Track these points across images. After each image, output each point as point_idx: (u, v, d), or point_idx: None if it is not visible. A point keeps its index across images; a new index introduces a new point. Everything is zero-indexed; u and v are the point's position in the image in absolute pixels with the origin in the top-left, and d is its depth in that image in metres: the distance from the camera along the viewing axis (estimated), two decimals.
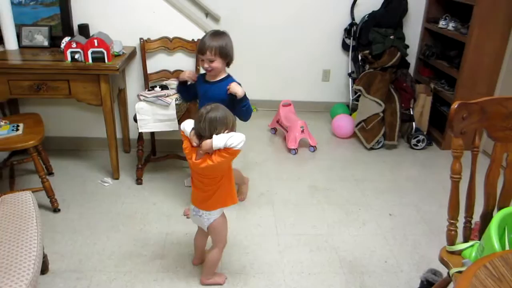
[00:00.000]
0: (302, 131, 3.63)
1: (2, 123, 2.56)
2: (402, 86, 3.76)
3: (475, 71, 3.50)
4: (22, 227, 1.78)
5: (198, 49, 2.28)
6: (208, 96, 2.31)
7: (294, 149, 3.60)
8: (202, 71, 2.42)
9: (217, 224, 2.03)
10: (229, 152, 1.81)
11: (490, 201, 1.67)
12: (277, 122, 3.90)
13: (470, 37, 3.43)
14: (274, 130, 4.03)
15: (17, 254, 1.62)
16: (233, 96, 2.28)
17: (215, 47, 2.22)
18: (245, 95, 2.30)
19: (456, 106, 1.51)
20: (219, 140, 1.80)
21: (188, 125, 1.92)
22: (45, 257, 2.15)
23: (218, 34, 2.27)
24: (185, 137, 1.94)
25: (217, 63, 2.27)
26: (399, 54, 3.75)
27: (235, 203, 2.04)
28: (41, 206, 2.67)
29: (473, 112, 1.55)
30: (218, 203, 1.99)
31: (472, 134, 1.63)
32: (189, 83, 2.47)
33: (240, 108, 2.31)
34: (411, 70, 4.23)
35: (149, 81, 3.18)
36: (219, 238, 2.08)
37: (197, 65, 3.19)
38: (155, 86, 2.94)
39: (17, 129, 2.53)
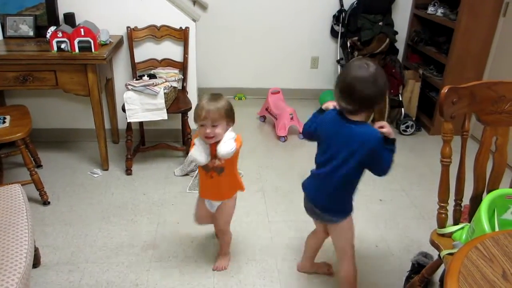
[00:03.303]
0: (292, 119, 3.63)
1: None
2: (391, 72, 3.77)
3: (464, 57, 3.52)
4: (12, 221, 1.76)
5: None
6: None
7: (283, 136, 3.60)
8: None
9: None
10: None
11: (480, 184, 1.70)
12: (266, 109, 3.89)
13: (458, 23, 3.44)
14: (263, 118, 4.02)
15: (8, 248, 1.60)
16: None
17: None
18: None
19: (446, 91, 1.52)
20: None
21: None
22: (36, 250, 2.13)
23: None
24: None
25: None
26: (388, 40, 3.75)
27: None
28: (30, 199, 2.63)
29: (463, 96, 1.57)
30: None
31: (461, 118, 1.65)
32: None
33: None
34: (400, 56, 4.24)
35: (137, 70, 3.15)
36: None
37: (185, 53, 3.16)
38: (143, 75, 2.91)
39: (4, 122, 2.49)
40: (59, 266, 2.20)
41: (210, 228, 2.50)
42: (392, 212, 2.72)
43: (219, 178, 1.94)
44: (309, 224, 2.55)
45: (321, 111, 1.80)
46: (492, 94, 1.61)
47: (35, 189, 2.63)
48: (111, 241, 2.37)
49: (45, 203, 2.66)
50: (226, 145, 1.83)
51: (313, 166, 1.91)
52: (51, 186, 2.81)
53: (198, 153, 1.84)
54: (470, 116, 1.66)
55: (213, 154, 1.86)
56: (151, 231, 2.47)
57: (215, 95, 1.86)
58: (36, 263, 2.15)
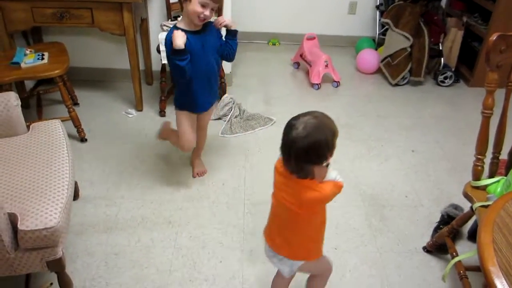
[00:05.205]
0: (326, 66, 3.56)
1: (28, 52, 2.57)
2: (432, 19, 3.60)
3: None
4: (54, 154, 1.83)
5: None
6: (208, 47, 2.03)
7: (317, 84, 3.55)
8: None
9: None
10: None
11: None
12: (301, 56, 3.82)
13: None
14: (297, 65, 3.95)
15: (50, 180, 1.68)
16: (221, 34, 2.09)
17: None
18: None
19: (495, 38, 1.45)
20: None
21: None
22: (76, 183, 2.23)
23: None
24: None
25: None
26: None
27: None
28: (68, 135, 2.72)
29: None
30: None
31: (506, 70, 1.58)
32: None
33: (235, 43, 2.09)
34: (443, 2, 4.03)
35: (172, 11, 3.10)
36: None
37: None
38: (178, 16, 2.87)
39: (43, 58, 2.53)
40: (96, 200, 2.30)
41: (241, 172, 2.55)
42: (424, 163, 2.69)
43: None
44: (340, 171, 2.56)
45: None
46: None
47: (72, 126, 2.71)
48: (145, 179, 2.45)
49: (82, 140, 2.74)
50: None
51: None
52: (87, 124, 2.87)
53: None
54: None
55: None
56: (184, 171, 2.53)
57: None
58: (75, 195, 2.25)
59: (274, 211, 1.47)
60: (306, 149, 1.21)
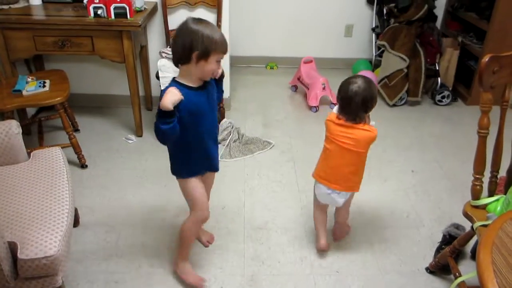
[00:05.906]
0: (324, 88, 3.59)
1: (30, 80, 2.61)
2: (428, 40, 3.65)
3: (507, 23, 3.36)
4: (54, 182, 1.84)
5: (223, 48, 1.60)
6: (212, 99, 1.75)
7: (315, 106, 3.58)
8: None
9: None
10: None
11: None
12: (298, 79, 3.86)
13: None
14: (294, 88, 3.99)
15: (50, 208, 1.68)
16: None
17: None
18: None
19: (487, 60, 1.47)
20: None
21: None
22: (76, 210, 2.23)
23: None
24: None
25: None
26: (426, 6, 3.61)
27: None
28: (68, 162, 2.72)
29: (505, 65, 1.51)
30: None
31: (501, 88, 1.60)
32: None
33: (222, 84, 1.84)
34: (438, 23, 4.09)
35: (171, 38, 3.16)
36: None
37: (218, 21, 3.14)
38: None
39: (44, 86, 2.57)
40: (96, 226, 2.29)
41: (241, 196, 2.55)
42: (424, 183, 2.69)
43: None
44: None
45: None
46: None
47: (73, 152, 2.72)
48: (146, 205, 2.45)
49: (83, 166, 2.76)
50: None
51: None
52: (87, 150, 2.89)
53: None
54: (511, 85, 1.61)
55: None
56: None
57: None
58: (75, 222, 2.25)
59: (328, 157, 1.93)
60: (364, 99, 1.73)
